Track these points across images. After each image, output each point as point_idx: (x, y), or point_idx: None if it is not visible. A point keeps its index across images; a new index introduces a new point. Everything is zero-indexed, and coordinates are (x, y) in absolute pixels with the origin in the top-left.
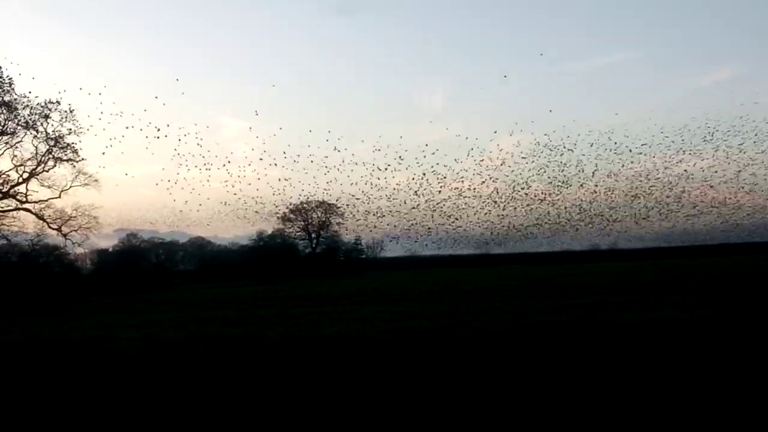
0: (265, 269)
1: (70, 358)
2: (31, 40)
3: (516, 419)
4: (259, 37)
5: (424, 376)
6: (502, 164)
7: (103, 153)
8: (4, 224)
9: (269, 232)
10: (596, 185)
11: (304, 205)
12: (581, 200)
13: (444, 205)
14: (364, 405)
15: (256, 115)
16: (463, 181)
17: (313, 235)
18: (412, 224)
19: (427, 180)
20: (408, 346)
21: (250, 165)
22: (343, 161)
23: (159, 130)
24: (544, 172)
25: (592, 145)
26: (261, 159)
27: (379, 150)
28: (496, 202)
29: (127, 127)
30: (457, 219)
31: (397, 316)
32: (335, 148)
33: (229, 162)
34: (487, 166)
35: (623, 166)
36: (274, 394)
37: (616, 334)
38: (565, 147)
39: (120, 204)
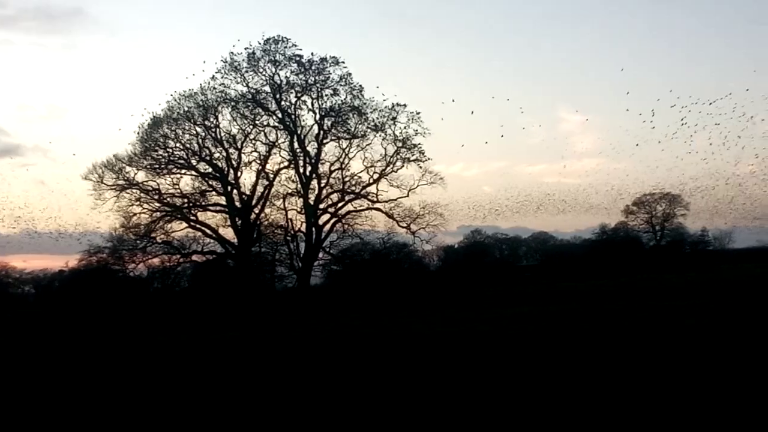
0: (608, 263)
1: (434, 351)
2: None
3: None
4: (591, 25)
5: None
6: None
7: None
8: (358, 223)
9: (612, 225)
10: None
11: (647, 197)
12: None
13: None
14: None
15: (594, 107)
16: None
17: (657, 228)
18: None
19: None
20: None
21: (589, 158)
22: (688, 151)
23: (503, 126)
24: None
25: None
26: (600, 151)
27: (724, 136)
28: None
29: (468, 125)
30: None
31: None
32: (674, 136)
33: (568, 156)
34: None
35: None
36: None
37: None
38: None
39: (463, 201)
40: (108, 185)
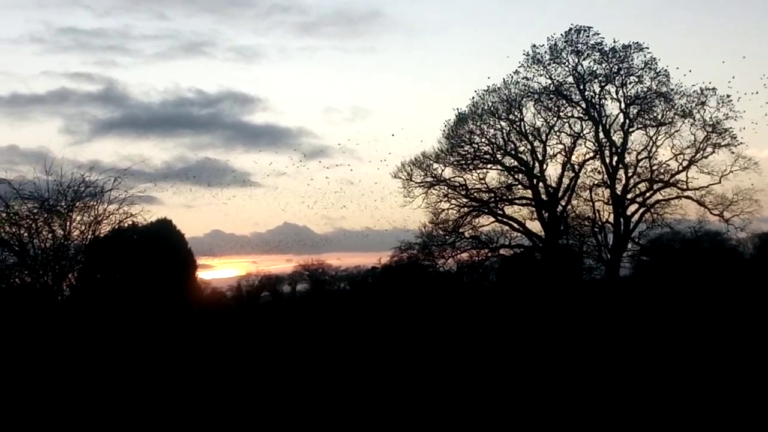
0: None
1: None
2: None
3: None
4: None
5: None
6: None
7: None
8: (667, 213)
9: None
10: None
11: None
12: None
13: None
14: None
15: None
16: None
17: None
18: None
19: None
20: None
21: None
22: None
23: None
24: None
25: None
26: None
27: None
28: None
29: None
30: None
31: None
32: None
33: None
34: None
35: None
36: None
37: None
38: None
39: None
40: (416, 182)
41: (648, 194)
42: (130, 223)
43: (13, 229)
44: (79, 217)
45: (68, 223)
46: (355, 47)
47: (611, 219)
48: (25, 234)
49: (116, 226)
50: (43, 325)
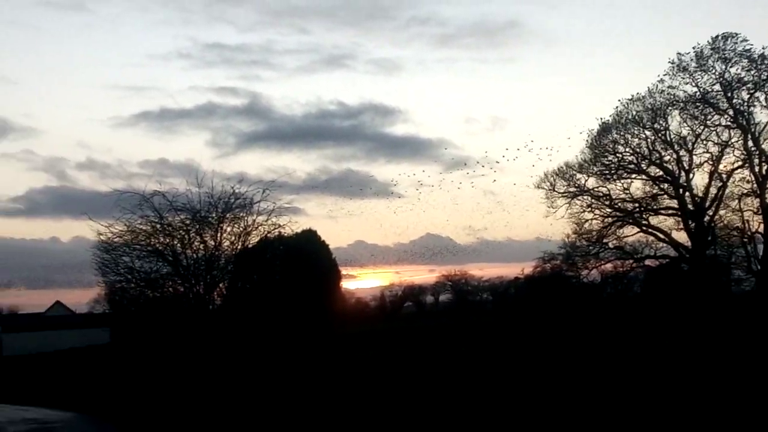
0: None
1: None
2: None
3: None
4: None
5: None
6: None
7: None
8: None
9: None
10: None
11: None
12: None
13: None
14: None
15: None
16: None
17: None
18: None
19: None
20: None
21: None
22: None
23: None
24: None
25: None
26: None
27: None
28: None
29: None
30: None
31: None
32: None
33: None
34: None
35: None
36: None
37: None
38: None
39: None
40: (559, 193)
41: None
42: (277, 233)
43: (167, 240)
44: (229, 228)
45: (219, 234)
46: (494, 58)
47: (761, 229)
48: (179, 244)
49: (264, 237)
50: (196, 334)
